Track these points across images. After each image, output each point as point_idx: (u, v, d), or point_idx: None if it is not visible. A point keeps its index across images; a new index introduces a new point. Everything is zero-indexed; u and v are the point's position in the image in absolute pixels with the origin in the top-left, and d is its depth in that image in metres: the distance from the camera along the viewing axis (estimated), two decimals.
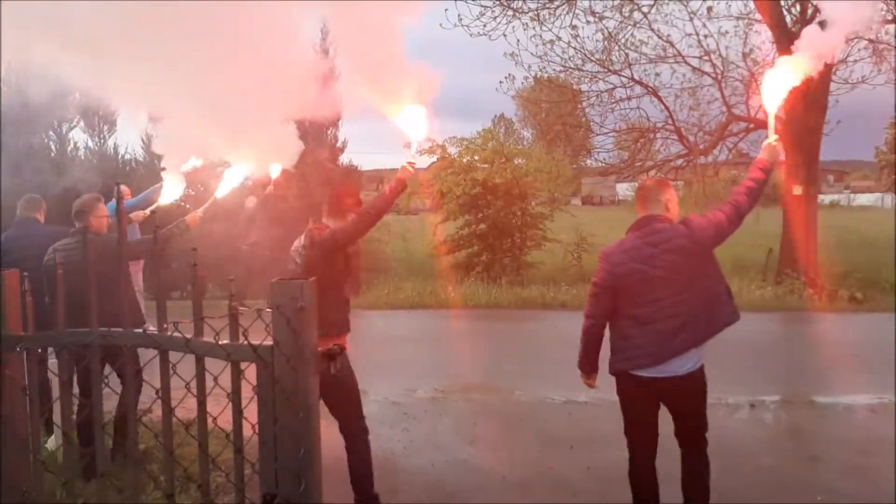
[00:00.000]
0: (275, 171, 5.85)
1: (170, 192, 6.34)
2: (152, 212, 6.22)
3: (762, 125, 15.16)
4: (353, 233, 4.58)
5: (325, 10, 5.13)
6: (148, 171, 13.55)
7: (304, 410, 2.22)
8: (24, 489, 2.18)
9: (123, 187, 7.80)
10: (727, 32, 14.93)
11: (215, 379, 2.12)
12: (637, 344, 4.00)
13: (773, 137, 4.21)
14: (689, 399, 4.11)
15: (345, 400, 4.61)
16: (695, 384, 4.07)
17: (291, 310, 2.20)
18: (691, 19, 14.74)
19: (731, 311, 4.04)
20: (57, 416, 4.79)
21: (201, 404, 2.21)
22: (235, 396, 2.26)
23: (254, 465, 2.20)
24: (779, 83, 4.20)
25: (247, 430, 2.19)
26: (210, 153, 5.81)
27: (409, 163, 4.89)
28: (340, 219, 4.64)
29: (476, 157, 17.22)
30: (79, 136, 15.45)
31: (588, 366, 4.25)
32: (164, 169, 6.01)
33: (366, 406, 6.94)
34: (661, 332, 3.94)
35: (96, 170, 12.38)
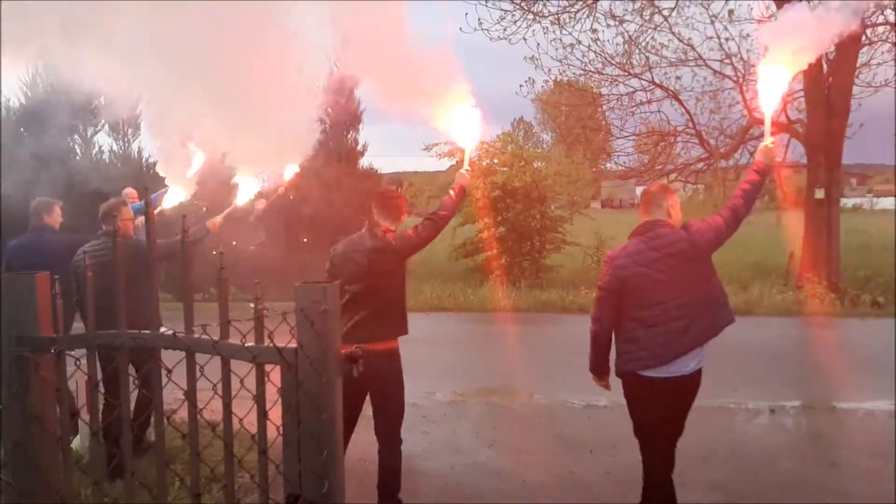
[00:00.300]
0: (288, 174, 5.94)
1: (175, 195, 6.46)
2: (159, 213, 6.32)
3: (784, 129, 15.08)
4: (425, 239, 4.72)
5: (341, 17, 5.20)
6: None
7: (327, 413, 2.25)
8: (56, 489, 2.23)
9: (131, 190, 7.96)
10: (748, 35, 14.82)
11: (241, 381, 2.16)
12: (644, 346, 4.10)
13: (769, 140, 4.33)
14: (688, 398, 4.25)
15: (393, 402, 4.66)
16: (696, 383, 4.22)
17: (315, 312, 2.23)
18: (712, 22, 14.67)
19: (728, 312, 4.22)
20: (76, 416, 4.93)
21: (227, 406, 2.25)
22: (260, 398, 2.29)
23: (278, 466, 2.23)
24: (773, 85, 4.31)
25: (272, 432, 2.23)
26: (227, 156, 5.91)
27: (467, 170, 5.14)
28: (395, 221, 4.73)
29: (495, 161, 17.25)
30: (103, 140, 15.60)
31: (599, 368, 4.35)
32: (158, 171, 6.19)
33: None
34: (667, 333, 4.05)
35: (120, 173, 12.55)
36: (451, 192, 5.01)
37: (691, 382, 4.19)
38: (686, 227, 4.15)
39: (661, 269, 4.05)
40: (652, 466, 4.32)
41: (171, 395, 2.33)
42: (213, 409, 2.31)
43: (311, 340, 2.23)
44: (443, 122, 4.87)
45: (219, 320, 2.32)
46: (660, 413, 4.20)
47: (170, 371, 2.15)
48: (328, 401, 2.26)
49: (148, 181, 12.58)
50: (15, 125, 13.69)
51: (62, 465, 2.40)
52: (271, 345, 2.23)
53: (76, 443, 5.48)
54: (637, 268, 4.10)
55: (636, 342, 4.13)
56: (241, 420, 2.17)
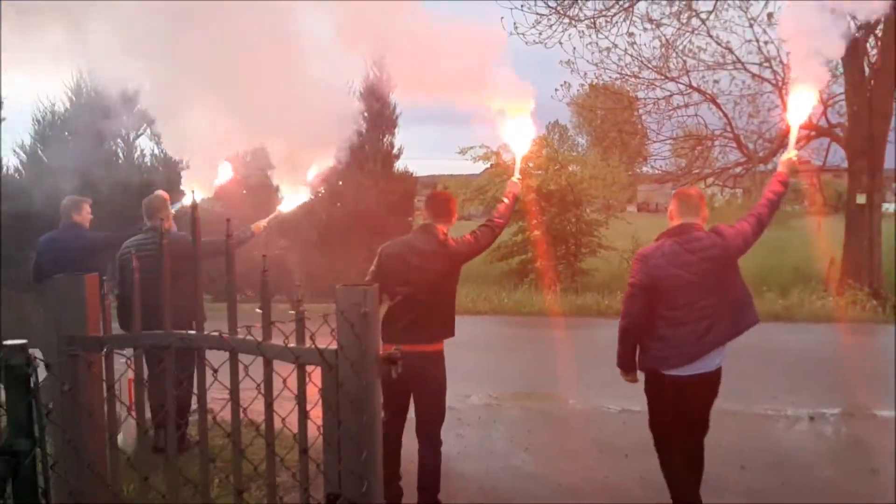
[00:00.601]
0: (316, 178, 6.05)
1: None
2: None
3: (824, 133, 14.87)
4: (484, 245, 4.91)
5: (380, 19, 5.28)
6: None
7: (366, 414, 2.29)
8: (110, 485, 2.30)
9: (162, 192, 8.21)
10: (789, 39, 14.64)
11: (284, 381, 2.21)
12: (672, 344, 4.27)
13: (792, 153, 4.56)
14: (710, 395, 4.40)
15: (435, 404, 4.72)
16: (718, 379, 4.38)
17: (355, 315, 2.27)
18: (751, 26, 14.52)
19: (753, 313, 4.38)
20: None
21: (269, 406, 2.30)
22: (301, 399, 2.34)
23: (319, 466, 2.27)
24: (802, 97, 4.50)
25: (312, 432, 2.27)
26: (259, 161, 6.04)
27: (518, 178, 5.29)
28: (447, 222, 4.82)
29: (530, 164, 17.23)
30: (145, 144, 15.87)
31: (627, 363, 4.49)
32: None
33: None
34: (693, 332, 4.23)
35: (162, 176, 12.73)
36: (505, 200, 5.13)
37: (714, 379, 4.35)
38: (718, 232, 4.34)
39: (695, 272, 4.21)
40: (670, 465, 4.51)
41: (214, 393, 2.39)
42: (252, 409, 2.36)
43: (351, 342, 2.27)
44: (502, 128, 5.02)
45: (261, 322, 2.38)
46: (682, 409, 4.37)
47: (216, 371, 2.20)
48: (367, 402, 2.29)
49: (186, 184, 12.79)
50: (60, 129, 14.00)
51: (110, 461, 2.47)
52: (313, 346, 2.27)
53: (119, 440, 5.59)
54: (672, 269, 4.25)
55: (662, 340, 4.30)
56: (283, 420, 2.22)
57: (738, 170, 16.44)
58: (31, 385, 1.69)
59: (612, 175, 18.16)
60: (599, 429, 6.76)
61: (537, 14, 14.97)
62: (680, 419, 4.40)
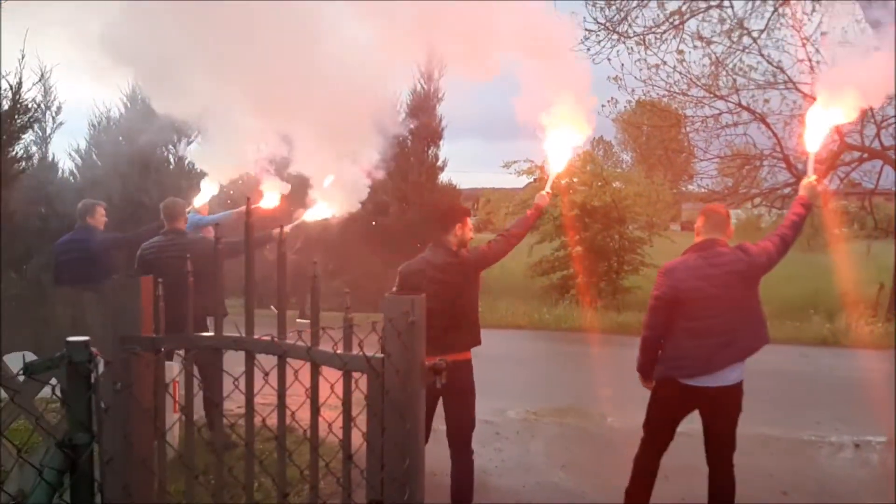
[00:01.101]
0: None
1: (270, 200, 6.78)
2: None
3: (876, 155, 14.58)
4: (497, 254, 4.93)
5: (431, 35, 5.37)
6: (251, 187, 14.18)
7: (410, 422, 2.32)
8: (162, 482, 2.36)
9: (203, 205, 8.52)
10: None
11: (332, 387, 2.25)
12: (691, 355, 4.37)
13: (812, 177, 4.68)
14: (728, 409, 4.46)
15: (466, 413, 4.79)
16: (737, 395, 4.44)
17: (403, 324, 2.31)
18: (804, 45, 14.31)
19: (766, 334, 4.48)
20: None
21: (316, 412, 2.34)
22: (347, 405, 2.38)
23: (362, 472, 2.31)
24: (820, 123, 4.66)
25: (357, 438, 2.31)
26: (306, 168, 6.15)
27: (548, 192, 5.42)
28: (455, 236, 4.86)
29: (575, 179, 17.17)
30: (195, 151, 16.17)
31: (647, 371, 4.68)
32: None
33: None
34: (712, 345, 4.32)
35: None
36: (528, 212, 5.24)
37: (732, 393, 4.41)
38: (743, 249, 4.43)
39: (716, 285, 4.31)
40: (638, 466, 4.76)
41: (263, 397, 2.44)
42: (296, 415, 2.41)
43: (397, 351, 2.30)
44: (548, 142, 5.14)
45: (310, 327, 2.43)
46: (679, 419, 4.59)
47: (266, 374, 2.25)
48: (412, 410, 2.33)
49: (236, 191, 13.02)
50: (114, 134, 14.34)
51: (159, 459, 2.54)
52: (360, 353, 2.31)
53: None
54: (694, 281, 4.37)
55: (682, 350, 4.42)
56: (329, 425, 2.26)
57: (786, 190, 16.17)
58: (92, 381, 1.76)
59: (657, 193, 18.01)
60: (637, 448, 6.68)
61: (586, 30, 14.94)
62: (673, 427, 4.61)
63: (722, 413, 4.47)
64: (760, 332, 4.42)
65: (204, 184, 8.09)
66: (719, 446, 4.52)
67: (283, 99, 5.23)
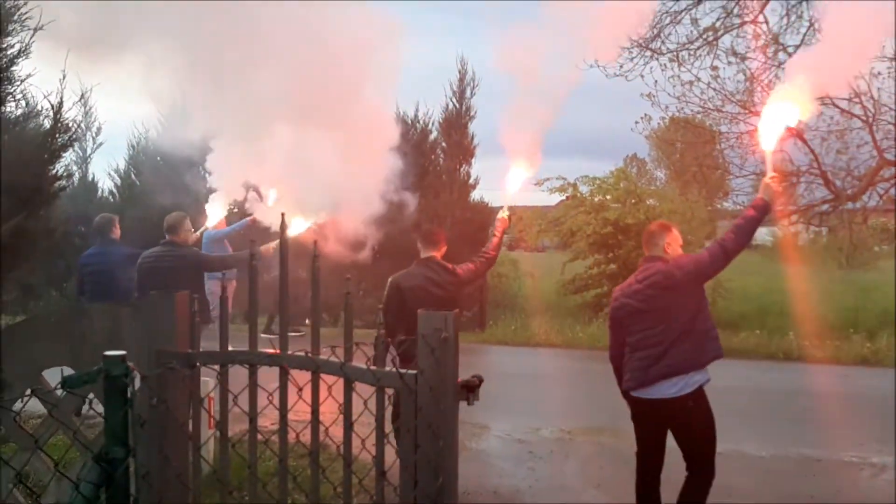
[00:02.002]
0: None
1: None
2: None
3: None
4: (481, 273, 5.41)
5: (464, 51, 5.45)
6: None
7: (444, 440, 2.31)
8: (193, 496, 2.37)
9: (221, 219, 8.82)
10: (879, 73, 14.16)
11: (365, 403, 2.24)
12: (630, 368, 4.50)
13: (769, 174, 4.53)
14: (679, 421, 4.45)
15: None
16: (681, 408, 4.38)
17: (436, 340, 2.30)
18: None
19: (717, 347, 4.45)
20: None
21: (349, 427, 2.34)
22: (380, 421, 2.37)
23: (395, 489, 2.29)
24: (775, 121, 4.58)
25: (391, 455, 2.30)
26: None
27: (507, 214, 5.61)
28: (440, 250, 5.32)
29: (608, 197, 17.07)
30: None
31: (621, 389, 4.77)
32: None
33: (488, 441, 7.03)
34: (645, 358, 4.38)
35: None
36: (496, 234, 5.49)
37: (675, 406, 4.37)
38: (669, 261, 4.46)
39: (641, 300, 4.41)
40: (639, 486, 4.70)
41: (296, 413, 2.44)
42: (326, 431, 2.40)
43: (431, 367, 2.29)
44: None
45: (343, 343, 2.43)
46: (648, 431, 4.59)
47: (300, 389, 2.25)
48: (445, 427, 2.31)
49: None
50: (152, 154, 14.60)
51: (194, 474, 2.55)
52: (393, 370, 2.31)
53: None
54: (623, 299, 4.57)
55: (626, 365, 4.55)
56: (363, 441, 2.25)
57: (824, 207, 15.90)
58: (129, 395, 1.77)
59: (692, 210, 17.82)
60: (671, 468, 6.56)
61: (619, 47, 14.86)
62: (646, 439, 4.62)
63: (675, 426, 4.48)
64: (705, 347, 4.36)
65: (212, 204, 8.39)
66: (686, 452, 4.54)
67: (304, 117, 5.32)
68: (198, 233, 7.99)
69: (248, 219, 8.32)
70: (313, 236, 6.51)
